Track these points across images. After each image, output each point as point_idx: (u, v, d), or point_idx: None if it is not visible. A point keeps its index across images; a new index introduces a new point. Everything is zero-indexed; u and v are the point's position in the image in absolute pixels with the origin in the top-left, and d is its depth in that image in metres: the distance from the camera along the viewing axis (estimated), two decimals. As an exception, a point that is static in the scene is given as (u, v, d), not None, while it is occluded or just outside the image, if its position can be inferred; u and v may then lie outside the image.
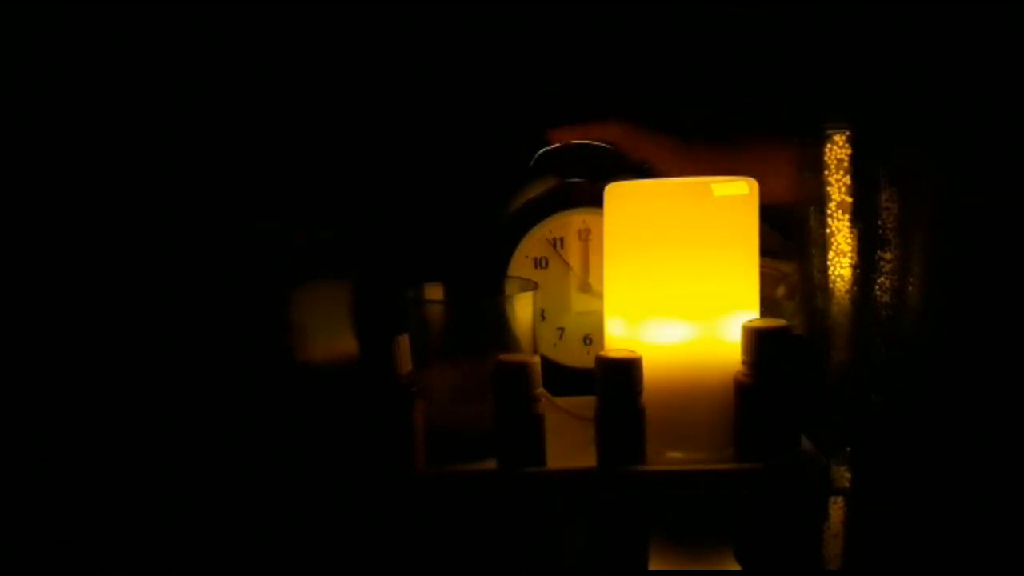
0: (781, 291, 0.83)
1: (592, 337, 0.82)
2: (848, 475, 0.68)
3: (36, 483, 0.69)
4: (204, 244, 0.72)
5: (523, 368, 0.63)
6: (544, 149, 0.90)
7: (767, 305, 0.77)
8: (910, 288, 0.72)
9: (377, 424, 0.64)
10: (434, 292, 0.73)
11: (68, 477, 0.69)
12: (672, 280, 0.67)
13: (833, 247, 0.73)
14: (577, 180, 0.84)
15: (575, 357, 0.83)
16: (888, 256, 0.72)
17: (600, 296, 0.72)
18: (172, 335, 0.71)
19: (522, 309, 0.69)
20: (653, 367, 0.64)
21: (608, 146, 0.89)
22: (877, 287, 0.72)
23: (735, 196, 0.67)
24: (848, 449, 0.71)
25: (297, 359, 0.70)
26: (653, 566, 0.58)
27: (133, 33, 0.90)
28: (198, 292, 0.71)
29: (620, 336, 0.68)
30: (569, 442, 0.67)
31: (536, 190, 0.85)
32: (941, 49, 0.76)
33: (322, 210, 0.89)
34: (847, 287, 0.73)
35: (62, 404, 0.75)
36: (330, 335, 0.72)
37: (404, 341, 0.65)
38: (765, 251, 0.72)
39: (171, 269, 0.73)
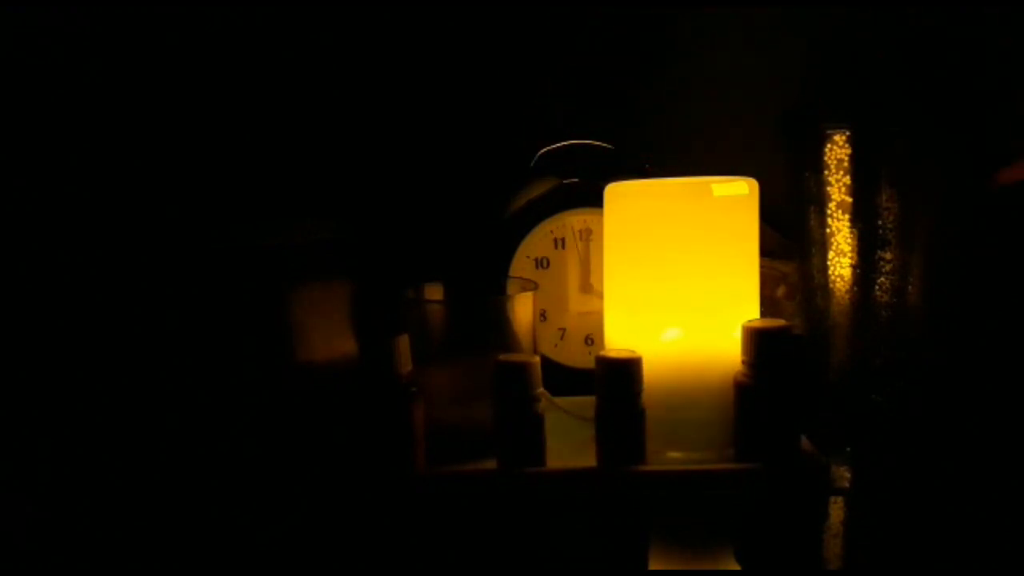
0: (781, 291, 0.83)
1: (594, 337, 0.82)
2: (848, 475, 0.68)
3: (36, 483, 0.69)
4: (202, 243, 0.72)
5: (523, 368, 0.63)
6: (545, 149, 0.91)
7: (767, 305, 0.77)
8: (910, 288, 0.72)
9: (377, 424, 0.64)
10: (434, 292, 0.73)
11: (68, 476, 0.69)
12: (672, 280, 0.66)
13: (833, 247, 0.73)
14: (577, 180, 0.84)
15: (576, 357, 0.83)
16: (888, 256, 0.72)
17: (601, 296, 0.72)
18: (170, 335, 0.71)
19: (522, 309, 0.69)
20: (653, 367, 0.64)
21: (608, 146, 0.89)
22: (877, 287, 0.72)
23: (735, 196, 0.67)
24: (848, 449, 0.71)
25: (297, 359, 0.70)
26: (653, 566, 0.58)
27: (132, 33, 0.91)
28: (197, 292, 0.71)
29: (620, 336, 0.68)
30: (569, 442, 0.67)
31: (537, 190, 0.85)
32: (941, 49, 0.76)
33: (321, 210, 0.90)
34: (847, 287, 0.73)
35: (62, 403, 0.75)
36: (330, 335, 0.72)
37: (404, 341, 0.65)
38: (765, 251, 0.72)
39: (170, 269, 0.73)
